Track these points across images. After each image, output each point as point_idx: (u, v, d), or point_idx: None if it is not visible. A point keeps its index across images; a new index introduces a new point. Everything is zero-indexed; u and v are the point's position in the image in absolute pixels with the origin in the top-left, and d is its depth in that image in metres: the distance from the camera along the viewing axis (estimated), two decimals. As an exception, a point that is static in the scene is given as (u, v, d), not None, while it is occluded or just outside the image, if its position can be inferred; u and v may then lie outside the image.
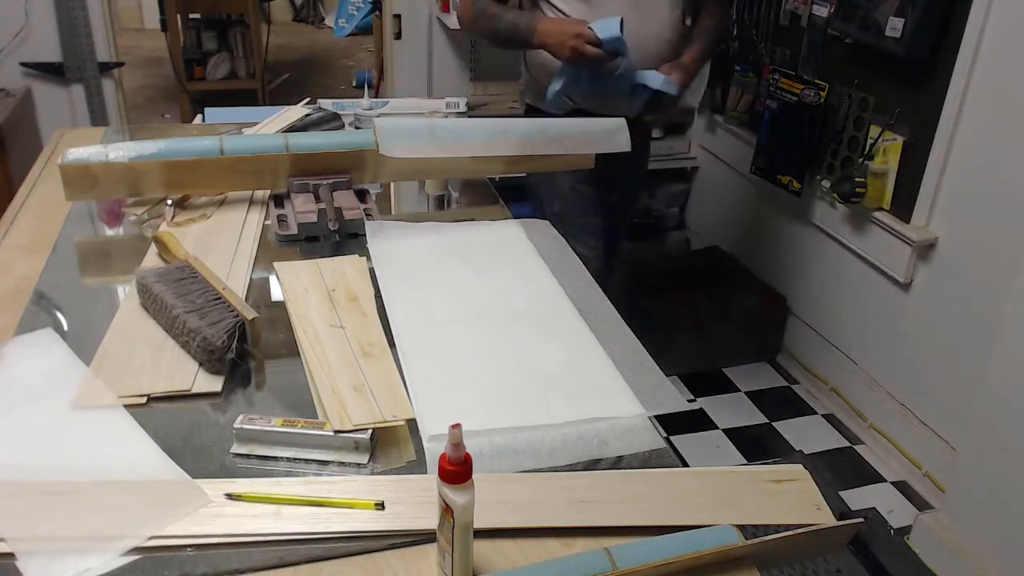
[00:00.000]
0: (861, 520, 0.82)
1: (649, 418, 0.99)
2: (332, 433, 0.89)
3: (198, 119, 2.14)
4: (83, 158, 1.38)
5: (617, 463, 0.93)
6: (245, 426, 0.90)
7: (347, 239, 1.40)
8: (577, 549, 0.79)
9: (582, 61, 1.69)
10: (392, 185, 1.74)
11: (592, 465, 0.92)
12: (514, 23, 1.81)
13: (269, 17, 5.44)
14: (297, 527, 0.79)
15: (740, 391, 2.70)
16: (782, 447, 2.47)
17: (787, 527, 0.82)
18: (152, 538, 0.77)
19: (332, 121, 1.78)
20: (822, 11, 2.45)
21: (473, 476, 0.71)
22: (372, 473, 0.88)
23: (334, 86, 5.67)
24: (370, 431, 0.90)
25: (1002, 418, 1.80)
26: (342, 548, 0.78)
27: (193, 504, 0.81)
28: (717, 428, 2.53)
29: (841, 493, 2.28)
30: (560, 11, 1.81)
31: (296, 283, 1.23)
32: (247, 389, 1.02)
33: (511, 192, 1.87)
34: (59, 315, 1.18)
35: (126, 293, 1.20)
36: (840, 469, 2.39)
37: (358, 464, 0.89)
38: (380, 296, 1.21)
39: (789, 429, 2.54)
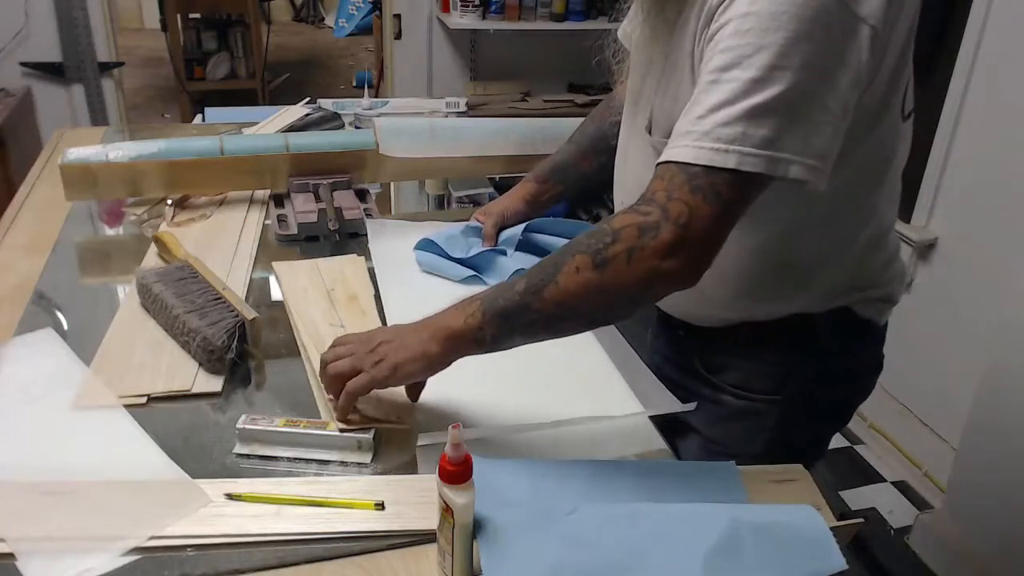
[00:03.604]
0: (861, 520, 0.82)
1: (649, 418, 0.99)
2: (336, 433, 0.89)
3: (198, 119, 2.14)
4: (83, 158, 1.38)
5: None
6: (248, 426, 0.90)
7: (347, 239, 1.40)
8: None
9: None
10: (392, 185, 1.74)
11: (592, 465, 0.92)
12: None
13: (269, 17, 5.44)
14: (297, 527, 0.79)
15: (740, 391, 2.69)
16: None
17: (787, 527, 0.81)
18: (152, 538, 0.77)
19: (332, 121, 1.78)
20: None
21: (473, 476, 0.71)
22: (373, 473, 0.88)
23: (334, 86, 5.68)
24: (372, 430, 0.90)
25: (1002, 418, 1.80)
26: (342, 548, 0.78)
27: (193, 504, 0.81)
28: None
29: (841, 493, 2.28)
30: None
31: (296, 283, 1.23)
32: (247, 389, 1.02)
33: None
34: (59, 315, 1.18)
35: (126, 293, 1.20)
36: (840, 469, 2.39)
37: (361, 464, 0.88)
38: (379, 295, 1.21)
39: (789, 429, 2.54)
